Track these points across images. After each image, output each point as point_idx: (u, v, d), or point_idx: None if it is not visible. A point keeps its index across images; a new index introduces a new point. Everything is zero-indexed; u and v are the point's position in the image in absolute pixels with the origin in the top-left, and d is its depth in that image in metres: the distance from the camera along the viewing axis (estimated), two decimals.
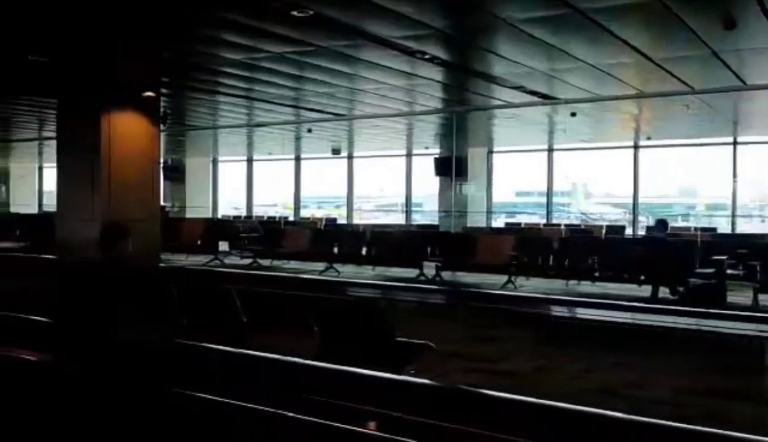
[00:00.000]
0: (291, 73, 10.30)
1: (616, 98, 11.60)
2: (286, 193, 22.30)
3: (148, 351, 3.28)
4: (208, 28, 8.08)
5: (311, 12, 6.98)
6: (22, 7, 7.21)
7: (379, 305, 4.48)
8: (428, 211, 21.59)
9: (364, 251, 13.10)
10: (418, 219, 21.13)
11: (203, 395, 2.33)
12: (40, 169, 27.12)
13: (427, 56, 8.93)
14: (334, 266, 13.04)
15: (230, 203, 23.36)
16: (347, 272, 12.73)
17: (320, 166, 22.26)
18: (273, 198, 23.68)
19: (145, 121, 11.49)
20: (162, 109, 11.69)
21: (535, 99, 11.76)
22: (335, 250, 13.38)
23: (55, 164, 25.12)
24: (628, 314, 7.63)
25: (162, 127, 12.04)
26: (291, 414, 2.15)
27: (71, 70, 10.00)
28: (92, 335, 3.69)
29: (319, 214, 22.10)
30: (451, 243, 13.03)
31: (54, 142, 20.77)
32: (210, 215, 20.91)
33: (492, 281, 10.76)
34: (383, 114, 14.33)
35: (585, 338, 7.00)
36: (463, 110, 13.64)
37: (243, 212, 21.77)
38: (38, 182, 27.21)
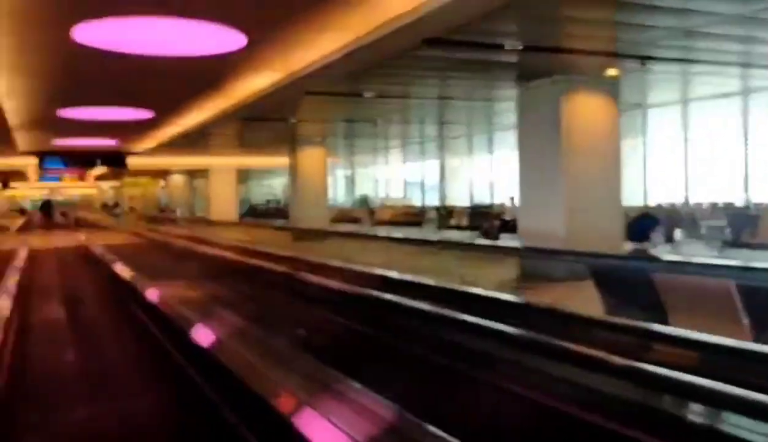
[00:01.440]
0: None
1: None
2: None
3: None
4: None
5: None
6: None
7: None
8: None
9: None
10: None
11: None
12: (470, 162, 28.86)
13: None
14: None
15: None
16: None
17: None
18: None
19: (608, 103, 10.70)
20: None
21: None
22: None
23: (483, 156, 26.51)
24: None
25: None
26: None
27: (532, 56, 9.68)
28: None
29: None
30: None
31: (478, 137, 21.91)
32: (642, 203, 19.27)
33: None
34: None
35: None
36: None
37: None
38: (469, 175, 28.96)
